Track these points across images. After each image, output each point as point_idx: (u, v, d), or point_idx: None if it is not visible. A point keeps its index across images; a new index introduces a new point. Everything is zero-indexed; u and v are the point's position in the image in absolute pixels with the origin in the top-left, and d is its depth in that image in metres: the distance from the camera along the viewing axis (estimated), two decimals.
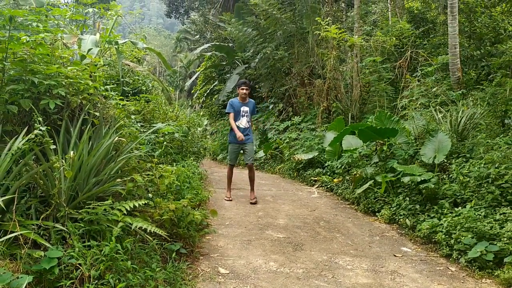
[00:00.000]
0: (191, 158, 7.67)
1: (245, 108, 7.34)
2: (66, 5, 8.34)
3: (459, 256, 4.70)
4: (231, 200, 7.42)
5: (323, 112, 12.31)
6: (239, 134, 7.13)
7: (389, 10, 17.35)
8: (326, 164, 9.63)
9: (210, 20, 27.27)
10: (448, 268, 4.60)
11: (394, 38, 11.20)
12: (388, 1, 17.66)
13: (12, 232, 2.79)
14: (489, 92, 7.82)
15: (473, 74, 10.86)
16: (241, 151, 7.44)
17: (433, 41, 12.78)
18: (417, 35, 12.83)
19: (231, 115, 7.31)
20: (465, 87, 9.67)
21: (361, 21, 14.31)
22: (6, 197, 2.85)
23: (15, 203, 2.98)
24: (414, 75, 10.35)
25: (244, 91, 7.32)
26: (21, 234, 2.84)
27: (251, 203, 7.21)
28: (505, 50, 10.66)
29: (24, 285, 2.27)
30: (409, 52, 10.60)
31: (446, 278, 4.32)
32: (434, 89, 8.61)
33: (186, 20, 37.14)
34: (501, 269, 4.26)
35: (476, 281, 4.27)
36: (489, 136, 6.55)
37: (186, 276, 3.95)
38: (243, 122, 7.33)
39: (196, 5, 31.06)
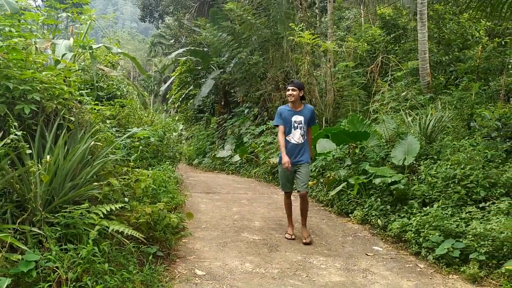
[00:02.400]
0: (166, 163, 7.69)
1: (298, 118, 5.51)
2: (38, 9, 8.28)
3: (427, 254, 4.89)
4: (293, 239, 5.61)
5: None
6: (285, 159, 5.35)
7: (362, 16, 17.79)
8: None
9: (185, 25, 27.25)
10: (417, 265, 4.79)
11: (365, 44, 11.48)
12: (361, 7, 18.11)
13: None
14: (455, 96, 8.12)
15: (442, 79, 11.24)
16: (295, 173, 5.60)
17: (404, 46, 13.19)
18: (388, 41, 13.21)
19: (280, 128, 5.54)
20: (434, 91, 10.03)
21: (334, 26, 14.62)
22: None
23: None
24: (385, 79, 10.64)
25: (290, 91, 5.49)
26: None
27: (305, 243, 5.42)
28: (472, 56, 11.07)
29: (3, 287, 2.30)
30: (380, 58, 10.89)
31: (415, 275, 4.49)
32: (404, 93, 8.89)
33: (161, 25, 36.97)
34: (466, 265, 4.46)
35: (444, 277, 4.45)
36: (455, 138, 6.81)
37: (163, 278, 4.00)
38: (296, 136, 5.50)
39: (171, 10, 30.94)
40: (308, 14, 14.21)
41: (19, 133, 3.24)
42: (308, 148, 5.65)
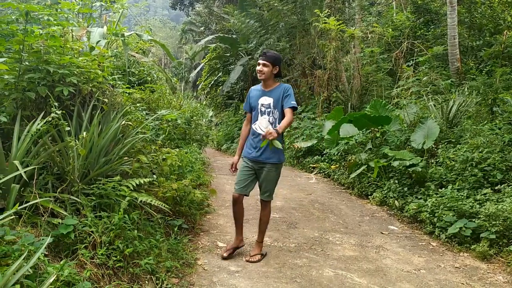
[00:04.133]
0: (194, 145, 8.04)
1: (265, 100, 4.18)
2: None
3: (441, 233, 5.06)
4: (226, 259, 4.20)
5: (323, 102, 12.64)
6: (234, 160, 4.42)
7: (394, 0, 17.58)
8: (325, 152, 9.99)
9: (215, 12, 27.53)
10: (430, 243, 4.97)
11: (390, 30, 11.47)
12: None
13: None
14: (479, 81, 8.12)
15: (471, 64, 11.12)
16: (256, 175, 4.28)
17: (435, 32, 13.02)
18: (417, 25, 13.09)
19: (247, 116, 4.42)
20: (463, 77, 9.97)
21: (362, 12, 14.59)
22: (29, 168, 3.23)
23: (35, 178, 3.37)
24: (407, 64, 10.64)
25: (260, 66, 4.14)
26: (41, 204, 3.23)
27: (247, 261, 4.20)
28: (505, 41, 10.89)
29: (45, 244, 2.65)
30: (405, 43, 10.87)
31: (426, 252, 4.69)
32: (425, 78, 8.91)
33: (191, 12, 37.37)
34: (477, 243, 4.62)
35: (454, 254, 4.63)
36: (477, 123, 6.86)
37: (187, 248, 4.35)
38: (263, 124, 4.15)
39: None
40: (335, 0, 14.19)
41: (59, 112, 3.61)
42: (281, 141, 4.17)
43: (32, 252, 2.59)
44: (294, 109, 4.09)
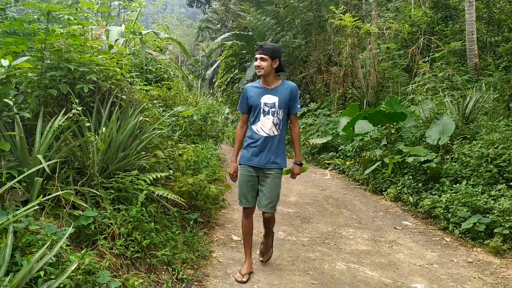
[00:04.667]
0: (209, 141, 8.16)
1: (270, 98, 3.70)
2: None
3: (454, 228, 5.08)
4: (245, 282, 3.67)
5: (339, 99, 12.65)
6: (232, 167, 3.90)
7: None
8: (340, 148, 10.02)
9: (231, 9, 27.63)
10: (443, 238, 4.99)
11: (407, 26, 11.41)
12: None
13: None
14: (496, 77, 8.05)
15: (490, 60, 11.00)
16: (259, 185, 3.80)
17: (454, 27, 12.87)
18: (435, 21, 12.97)
19: (242, 117, 3.92)
20: (481, 73, 9.87)
21: (378, 8, 14.52)
22: (51, 162, 3.37)
23: (57, 172, 3.52)
24: (423, 60, 10.58)
25: (257, 61, 3.67)
26: (62, 197, 3.37)
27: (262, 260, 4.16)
28: None
29: (67, 234, 2.78)
30: (421, 39, 10.81)
31: (440, 247, 4.71)
32: (441, 74, 8.87)
33: (208, 10, 37.56)
34: (491, 239, 4.63)
35: (468, 249, 4.65)
36: (493, 119, 6.82)
37: (202, 241, 4.46)
38: (266, 125, 3.69)
39: None
40: None
41: (79, 108, 3.75)
42: (284, 147, 3.80)
43: (55, 242, 2.71)
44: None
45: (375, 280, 3.76)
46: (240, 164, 3.83)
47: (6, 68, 3.12)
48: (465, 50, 10.59)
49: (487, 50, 12.04)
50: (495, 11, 12.36)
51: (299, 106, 3.83)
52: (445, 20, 13.32)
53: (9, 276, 2.33)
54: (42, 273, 2.42)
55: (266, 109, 3.69)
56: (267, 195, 3.72)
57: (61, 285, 2.47)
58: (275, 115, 3.69)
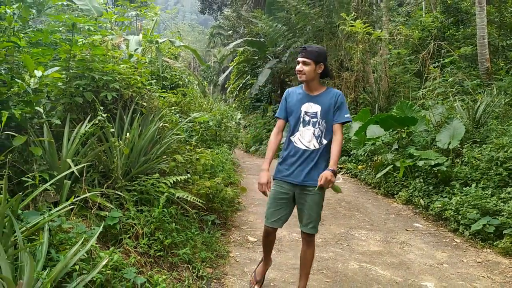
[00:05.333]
0: (224, 146, 8.36)
1: (311, 107, 3.30)
2: (109, 8, 9.21)
3: (464, 230, 5.20)
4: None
5: (350, 104, 12.77)
6: (262, 178, 3.33)
7: (423, 0, 17.50)
8: (352, 152, 10.14)
9: (243, 16, 27.94)
10: (453, 240, 5.12)
11: (416, 31, 11.53)
12: None
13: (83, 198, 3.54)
14: (507, 82, 8.14)
15: (502, 64, 11.06)
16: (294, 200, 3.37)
17: (465, 32, 12.93)
18: (446, 26, 13.05)
19: (278, 123, 3.48)
20: (493, 77, 9.93)
21: (389, 13, 14.65)
22: (79, 166, 3.59)
23: (84, 175, 3.74)
24: (433, 65, 10.69)
25: (299, 66, 3.24)
26: (90, 198, 3.59)
27: None
28: None
29: (98, 233, 2.99)
30: (432, 44, 10.92)
31: (450, 248, 4.84)
32: (450, 79, 8.98)
33: (219, 16, 37.94)
34: (500, 240, 4.74)
35: (477, 250, 4.77)
36: (503, 123, 6.92)
37: (220, 241, 4.65)
38: (306, 137, 3.28)
39: (229, 1, 31.81)
40: (362, 2, 14.31)
41: (104, 115, 3.97)
42: (326, 162, 3.26)
43: (86, 240, 2.92)
44: (345, 122, 3.30)
45: (387, 279, 3.90)
46: (273, 179, 3.40)
47: (39, 78, 3.35)
48: (476, 55, 10.67)
49: (499, 54, 12.09)
50: (506, 15, 12.41)
51: (347, 115, 3.28)
52: (456, 24, 13.39)
53: (47, 270, 2.54)
54: (77, 267, 2.63)
55: (307, 118, 3.28)
56: (307, 214, 3.29)
57: (93, 279, 2.68)
58: (316, 125, 3.27)
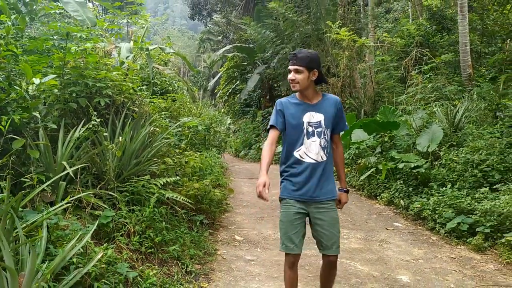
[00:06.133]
0: (213, 150, 8.59)
1: (314, 116, 3.01)
2: (100, 16, 9.42)
3: (440, 228, 5.48)
4: None
5: None
6: (260, 180, 2.83)
7: (410, 7, 17.89)
8: None
9: (232, 22, 28.26)
10: (430, 238, 5.40)
11: (399, 39, 11.90)
12: None
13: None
14: (484, 88, 8.50)
15: (484, 70, 11.42)
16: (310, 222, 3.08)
17: (449, 38, 13.27)
18: (430, 33, 13.42)
19: (271, 135, 3.07)
20: (474, 83, 10.28)
21: (375, 21, 15.02)
22: (74, 168, 3.80)
23: (78, 177, 3.95)
24: (415, 71, 11.04)
25: (291, 74, 2.94)
26: (84, 198, 3.80)
27: None
28: (508, 49, 11.16)
29: (92, 229, 3.20)
30: (414, 51, 11.28)
31: (426, 245, 5.11)
32: (429, 85, 9.32)
33: (209, 22, 38.18)
34: (473, 237, 5.02)
35: (452, 247, 5.04)
36: (479, 127, 7.25)
37: (208, 240, 4.87)
38: (313, 149, 2.97)
39: (218, 8, 32.12)
40: (348, 10, 14.67)
41: (98, 120, 4.19)
42: (332, 170, 3.09)
43: (81, 236, 3.13)
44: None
45: (365, 273, 4.16)
46: (282, 200, 3.09)
47: (37, 85, 3.56)
48: (459, 61, 11.01)
49: (481, 61, 12.47)
50: (488, 22, 12.79)
51: (346, 124, 3.19)
52: (440, 31, 13.77)
53: (46, 263, 2.74)
54: (74, 259, 2.84)
55: (311, 129, 2.98)
56: (328, 234, 3.00)
57: (89, 271, 2.89)
58: (322, 136, 2.99)
